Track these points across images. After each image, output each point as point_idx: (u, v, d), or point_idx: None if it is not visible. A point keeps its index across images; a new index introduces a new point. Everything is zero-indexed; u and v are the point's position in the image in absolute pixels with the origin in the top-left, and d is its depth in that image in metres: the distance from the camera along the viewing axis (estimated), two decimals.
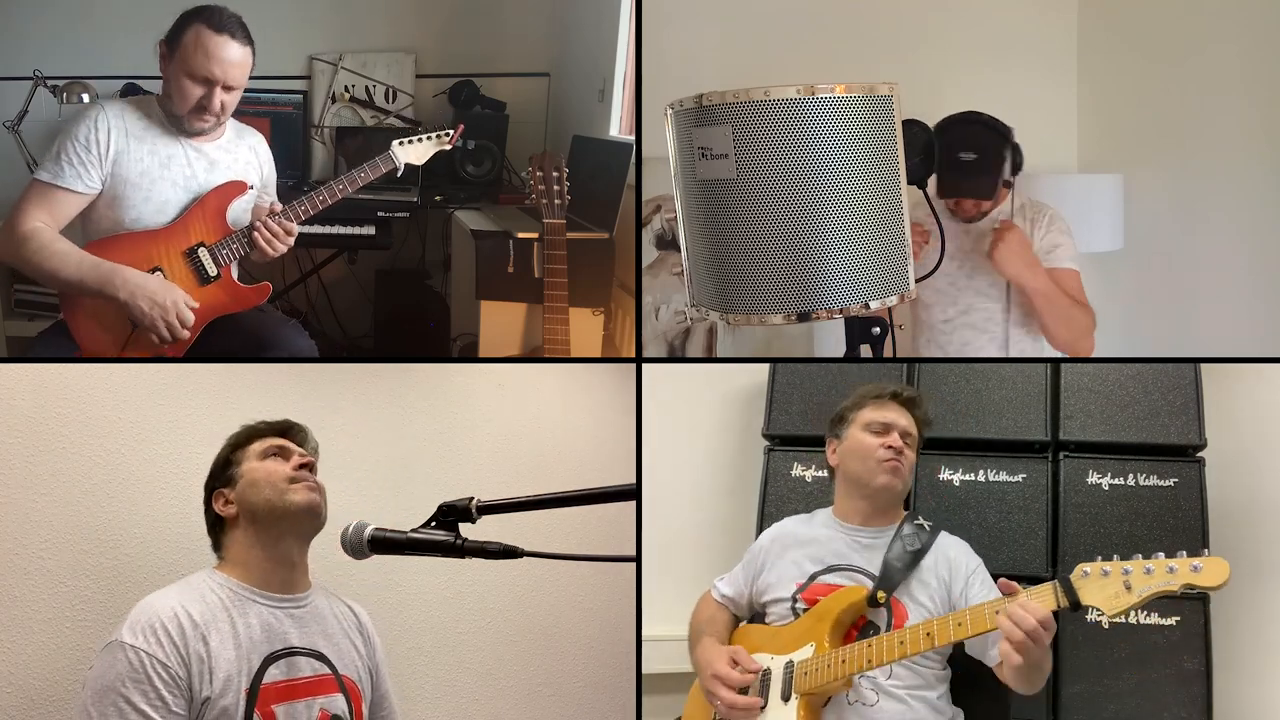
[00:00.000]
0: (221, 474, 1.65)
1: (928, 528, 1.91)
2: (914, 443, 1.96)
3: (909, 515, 1.94)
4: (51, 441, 1.82)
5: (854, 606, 1.82)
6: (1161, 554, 1.53)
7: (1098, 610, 1.55)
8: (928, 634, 1.67)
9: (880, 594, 1.81)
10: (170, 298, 2.22)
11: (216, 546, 1.64)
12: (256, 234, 2.32)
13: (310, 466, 1.65)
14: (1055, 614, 1.57)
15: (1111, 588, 1.53)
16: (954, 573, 1.85)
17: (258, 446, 1.64)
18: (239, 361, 2.16)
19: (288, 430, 1.70)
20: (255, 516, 1.59)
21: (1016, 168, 2.25)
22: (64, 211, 2.23)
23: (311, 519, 1.61)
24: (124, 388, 1.92)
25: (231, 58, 2.23)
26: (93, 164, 2.22)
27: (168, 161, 2.29)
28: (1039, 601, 1.57)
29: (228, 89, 2.26)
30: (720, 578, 2.07)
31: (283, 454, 1.64)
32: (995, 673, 1.80)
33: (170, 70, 2.25)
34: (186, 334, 2.27)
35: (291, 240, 2.36)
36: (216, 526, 1.64)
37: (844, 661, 1.73)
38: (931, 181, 2.10)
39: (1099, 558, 1.57)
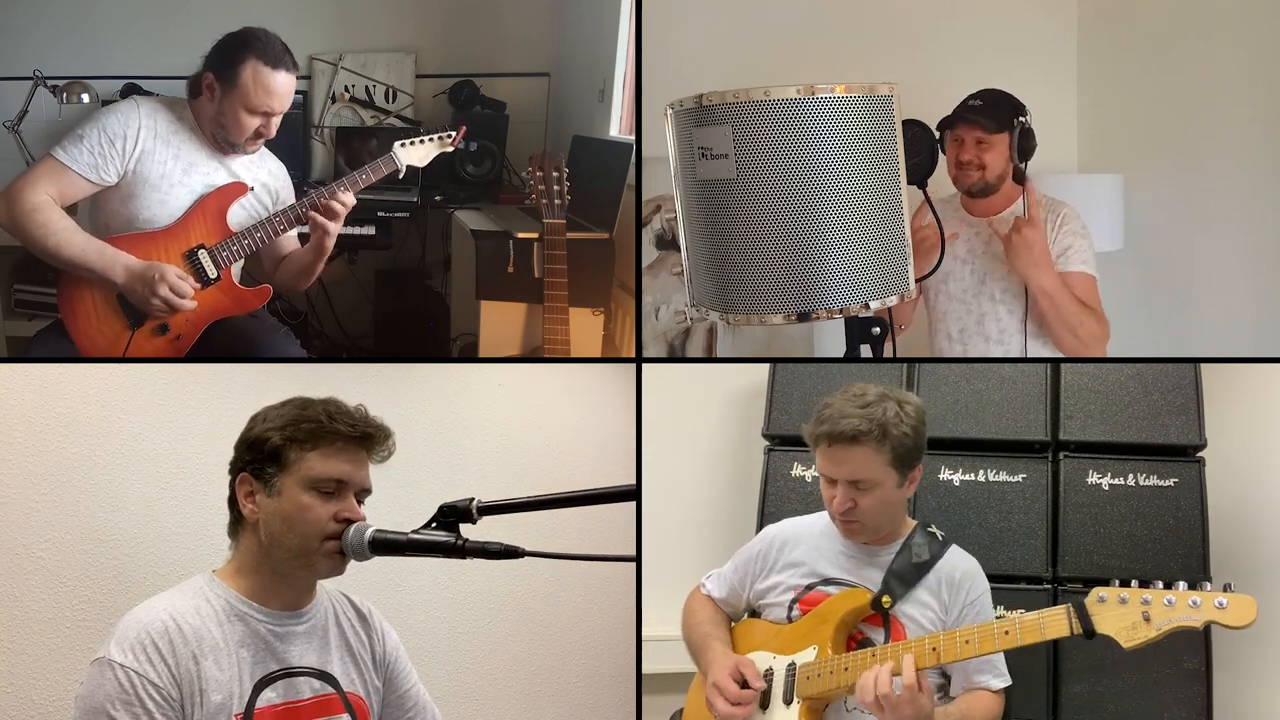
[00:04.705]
0: (259, 463, 1.44)
1: (940, 538, 1.86)
2: (869, 485, 1.78)
3: (920, 524, 1.88)
4: (51, 441, 1.82)
5: (856, 611, 1.80)
6: (1183, 583, 1.45)
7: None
8: (933, 649, 1.64)
9: (886, 599, 1.78)
10: (155, 272, 2.22)
11: (233, 533, 1.49)
12: (315, 215, 2.32)
13: (356, 518, 1.43)
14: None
15: (1129, 618, 1.46)
16: (953, 598, 1.80)
17: (317, 465, 1.42)
18: (239, 361, 2.16)
19: (368, 440, 1.46)
20: (274, 548, 1.43)
21: (1026, 153, 2.24)
22: (71, 193, 2.24)
23: (332, 575, 1.47)
24: (124, 388, 1.92)
25: (288, 90, 2.31)
26: (114, 158, 2.24)
27: (190, 169, 2.32)
28: (1052, 626, 1.52)
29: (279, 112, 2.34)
30: (708, 575, 2.03)
31: (338, 494, 1.43)
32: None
33: (226, 103, 2.28)
34: (189, 304, 2.26)
35: (341, 215, 2.36)
36: (235, 514, 1.48)
37: (847, 669, 1.71)
38: (932, 182, 2.10)
39: (1116, 581, 1.49)
